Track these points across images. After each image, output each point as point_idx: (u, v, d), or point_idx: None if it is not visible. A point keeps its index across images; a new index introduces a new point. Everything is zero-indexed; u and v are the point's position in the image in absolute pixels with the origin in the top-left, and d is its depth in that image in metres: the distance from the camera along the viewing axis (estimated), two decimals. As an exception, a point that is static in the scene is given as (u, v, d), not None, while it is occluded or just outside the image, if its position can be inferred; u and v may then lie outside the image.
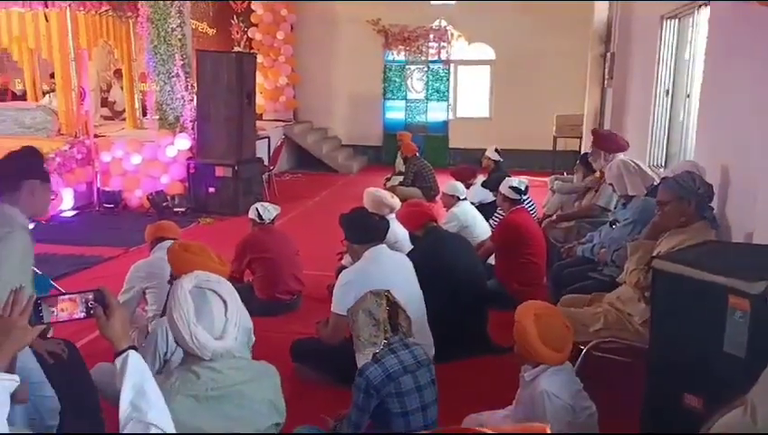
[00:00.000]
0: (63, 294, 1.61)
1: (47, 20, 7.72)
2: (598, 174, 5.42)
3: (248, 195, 8.04)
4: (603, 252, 4.06)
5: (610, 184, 4.40)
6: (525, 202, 5.09)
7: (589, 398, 2.47)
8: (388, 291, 2.70)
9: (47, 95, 10.10)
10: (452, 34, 11.82)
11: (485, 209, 5.77)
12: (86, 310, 1.59)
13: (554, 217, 5.80)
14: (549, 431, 0.92)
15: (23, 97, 10.85)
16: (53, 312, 1.56)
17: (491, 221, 5.66)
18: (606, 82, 9.06)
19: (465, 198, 5.52)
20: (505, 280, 4.63)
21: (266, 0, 11.50)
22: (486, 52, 11.89)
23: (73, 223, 7.49)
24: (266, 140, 9.85)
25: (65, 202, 7.66)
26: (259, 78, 9.88)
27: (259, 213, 4.81)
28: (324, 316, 3.86)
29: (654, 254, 3.04)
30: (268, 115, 11.77)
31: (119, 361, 1.58)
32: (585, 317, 3.31)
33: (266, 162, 9.31)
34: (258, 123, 9.48)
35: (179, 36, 8.04)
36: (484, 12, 11.05)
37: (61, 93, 8.72)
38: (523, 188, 4.82)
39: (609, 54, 8.90)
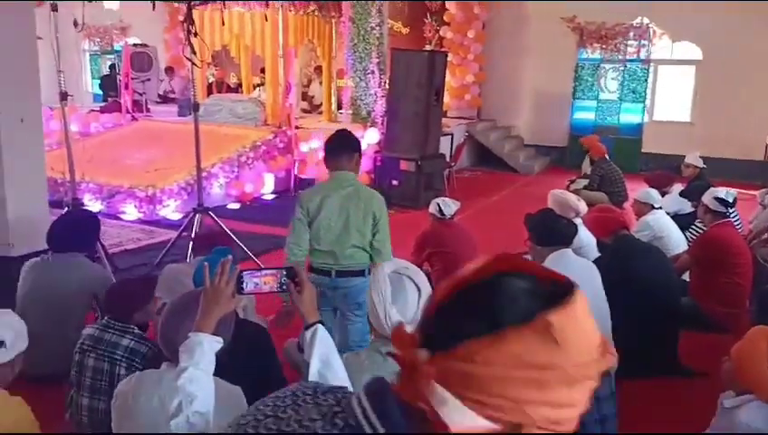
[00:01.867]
0: (262, 269, 1.77)
1: (266, 19, 8.49)
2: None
3: (429, 189, 8.22)
4: (825, 279, 3.57)
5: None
6: (731, 216, 4.63)
7: (800, 439, 2.21)
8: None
9: (257, 88, 11.13)
10: (654, 32, 11.06)
11: (681, 220, 5.34)
12: (280, 285, 1.71)
13: (766, 235, 5.21)
14: None
15: (236, 89, 12.08)
16: (254, 284, 1.69)
17: (687, 233, 5.22)
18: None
19: (659, 207, 5.16)
20: (702, 299, 4.25)
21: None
22: (692, 51, 10.95)
23: (272, 205, 8.19)
24: (449, 136, 9.98)
25: (266, 186, 8.41)
26: (446, 75, 10.03)
27: (440, 208, 4.90)
28: (500, 315, 3.85)
29: None
30: (452, 112, 11.91)
31: (308, 333, 1.71)
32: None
33: (448, 158, 9.44)
34: (442, 120, 9.64)
35: (377, 35, 8.43)
36: (692, 8, 10.16)
37: (269, 87, 9.58)
38: (730, 200, 4.39)
39: None
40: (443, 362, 0.70)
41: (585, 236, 4.28)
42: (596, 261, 3.68)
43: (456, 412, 0.68)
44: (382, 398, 0.79)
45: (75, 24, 4.68)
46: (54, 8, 4.54)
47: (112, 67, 13.06)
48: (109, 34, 14.41)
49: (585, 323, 0.70)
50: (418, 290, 1.97)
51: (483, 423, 0.68)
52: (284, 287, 1.72)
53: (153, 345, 2.90)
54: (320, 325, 1.72)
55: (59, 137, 7.87)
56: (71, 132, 5.30)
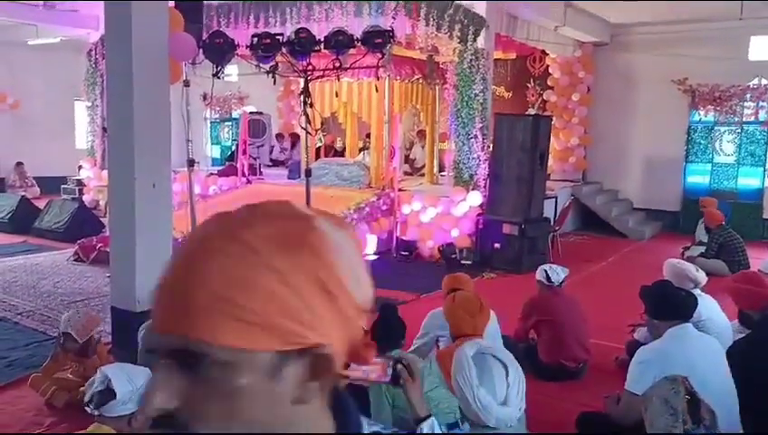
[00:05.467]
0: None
1: (377, 90, 8.89)
2: None
3: (532, 254, 8.08)
4: None
5: None
6: None
7: None
8: (685, 378, 2.47)
9: (362, 152, 11.54)
10: (774, 93, 10.52)
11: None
12: (392, 373, 1.70)
13: None
14: None
15: (342, 153, 12.58)
16: (360, 371, 1.68)
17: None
18: None
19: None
20: None
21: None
22: (819, 111, 10.30)
23: (373, 266, 8.26)
24: (554, 199, 9.83)
25: (369, 247, 8.58)
26: (550, 138, 9.97)
27: (547, 274, 4.79)
28: (611, 390, 3.67)
29: None
30: (556, 175, 11.74)
31: (425, 427, 1.70)
32: None
33: (552, 222, 9.26)
34: (546, 183, 9.53)
35: (481, 101, 8.54)
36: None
37: (374, 151, 9.93)
38: None
39: None
40: None
41: (705, 310, 4.04)
42: (740, 341, 3.44)
43: None
44: None
45: (204, 97, 5.11)
46: (187, 84, 5.00)
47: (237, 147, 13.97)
48: (228, 104, 15.52)
49: None
50: (505, 367, 1.88)
51: None
52: (396, 377, 1.71)
53: None
54: (433, 418, 1.71)
55: (181, 198, 8.49)
56: (193, 194, 5.69)
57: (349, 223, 0.84)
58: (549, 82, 12.00)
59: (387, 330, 3.19)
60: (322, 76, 5.46)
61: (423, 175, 11.02)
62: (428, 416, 1.69)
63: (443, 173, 10.50)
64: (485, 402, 1.81)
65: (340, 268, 0.61)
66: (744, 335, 3.66)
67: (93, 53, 11.71)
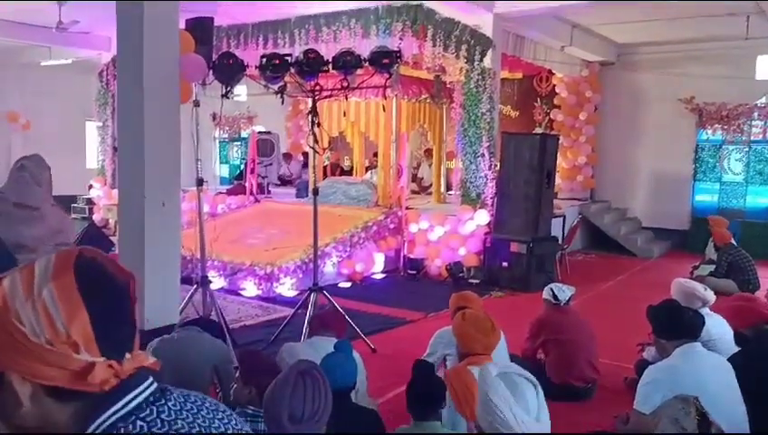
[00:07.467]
0: None
1: (384, 110, 8.96)
2: None
3: (540, 272, 8.06)
4: None
5: None
6: None
7: None
8: (696, 398, 2.46)
9: (369, 171, 11.58)
10: (782, 112, 10.52)
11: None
12: None
13: None
14: None
15: (349, 172, 12.63)
16: None
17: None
18: None
19: (798, 299, 4.75)
20: None
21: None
22: (828, 129, 10.28)
23: (381, 284, 8.33)
24: (561, 218, 9.82)
25: (377, 265, 8.59)
26: (557, 157, 10.00)
27: (554, 293, 4.78)
28: (620, 410, 3.63)
29: None
30: (564, 194, 11.75)
31: None
32: None
33: (560, 241, 9.25)
34: (554, 202, 9.53)
35: (488, 120, 8.59)
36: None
37: (381, 170, 9.97)
38: None
39: None
40: None
41: (714, 329, 4.01)
42: (735, 356, 3.42)
43: None
44: None
45: (214, 117, 5.17)
46: (197, 104, 5.06)
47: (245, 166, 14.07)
48: (237, 123, 15.66)
49: None
50: (534, 385, 1.87)
51: None
52: None
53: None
54: None
55: (190, 217, 8.52)
56: (202, 213, 5.73)
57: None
58: (556, 102, 12.06)
59: (424, 393, 2.80)
60: (330, 96, 5.51)
61: (430, 194, 11.05)
62: None
63: (450, 192, 10.51)
64: (525, 420, 1.78)
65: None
66: (739, 350, 3.64)
67: (105, 73, 11.88)
